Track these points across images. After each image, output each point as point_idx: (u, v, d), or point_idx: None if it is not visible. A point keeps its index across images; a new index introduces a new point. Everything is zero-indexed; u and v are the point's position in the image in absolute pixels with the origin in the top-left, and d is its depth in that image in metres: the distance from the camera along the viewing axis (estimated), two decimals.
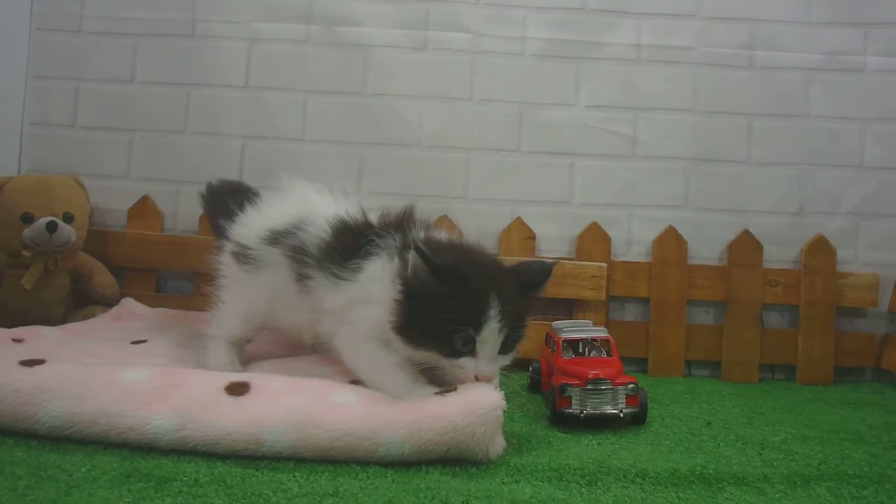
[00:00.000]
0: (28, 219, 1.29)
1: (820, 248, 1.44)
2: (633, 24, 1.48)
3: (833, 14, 1.46)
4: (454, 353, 0.89)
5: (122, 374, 0.89)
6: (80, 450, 0.83)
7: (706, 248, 1.47)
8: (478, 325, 0.88)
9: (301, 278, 1.02)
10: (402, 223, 1.01)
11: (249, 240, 1.09)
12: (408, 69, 1.48)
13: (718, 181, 1.47)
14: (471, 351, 0.89)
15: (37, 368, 0.90)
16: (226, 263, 1.13)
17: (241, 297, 1.11)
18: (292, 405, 0.85)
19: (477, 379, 0.89)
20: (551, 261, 0.98)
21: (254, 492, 0.74)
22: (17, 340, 1.09)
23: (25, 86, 1.50)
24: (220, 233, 1.16)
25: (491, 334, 0.88)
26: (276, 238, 1.06)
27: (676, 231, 1.44)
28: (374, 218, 1.05)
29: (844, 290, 1.44)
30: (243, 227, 1.12)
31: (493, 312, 0.88)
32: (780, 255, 1.46)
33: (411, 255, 0.88)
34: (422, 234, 0.99)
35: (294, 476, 0.79)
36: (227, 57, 1.49)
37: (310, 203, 1.09)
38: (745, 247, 1.44)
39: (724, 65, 1.47)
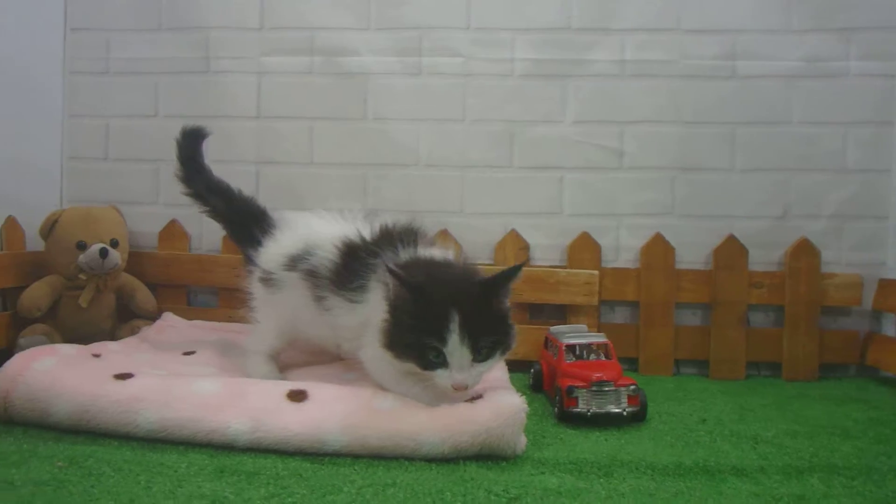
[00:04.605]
0: (82, 246, 1.49)
1: (804, 251, 1.55)
2: (616, 41, 1.60)
3: (813, 21, 1.55)
4: (430, 365, 0.99)
5: (197, 385, 1.06)
6: (174, 449, 0.98)
7: (692, 253, 1.58)
8: (442, 339, 0.97)
9: (318, 298, 1.17)
10: (394, 241, 1.12)
11: (271, 266, 1.25)
12: (404, 94, 1.63)
13: (703, 189, 1.58)
14: (443, 362, 0.98)
15: (129, 381, 1.06)
16: (255, 287, 1.30)
17: (271, 315, 1.27)
18: (346, 411, 0.99)
19: (455, 388, 0.98)
20: (523, 262, 1.07)
21: (326, 483, 0.88)
22: (96, 355, 1.27)
23: (62, 125, 1.70)
24: (248, 261, 1.33)
25: (455, 346, 0.97)
26: (292, 263, 1.22)
27: (664, 238, 1.58)
28: (376, 234, 1.16)
29: (829, 290, 1.55)
30: (265, 255, 1.27)
31: (454, 326, 0.96)
32: (764, 257, 1.57)
33: (388, 277, 1.00)
34: (410, 252, 1.10)
35: (355, 469, 0.93)
36: (239, 90, 1.66)
37: (315, 229, 1.23)
38: (731, 251, 1.56)
39: (706, 76, 1.58)
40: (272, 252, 1.26)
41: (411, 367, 1.00)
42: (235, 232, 1.40)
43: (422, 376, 1.01)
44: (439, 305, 0.96)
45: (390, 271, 0.98)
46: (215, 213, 1.40)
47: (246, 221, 1.35)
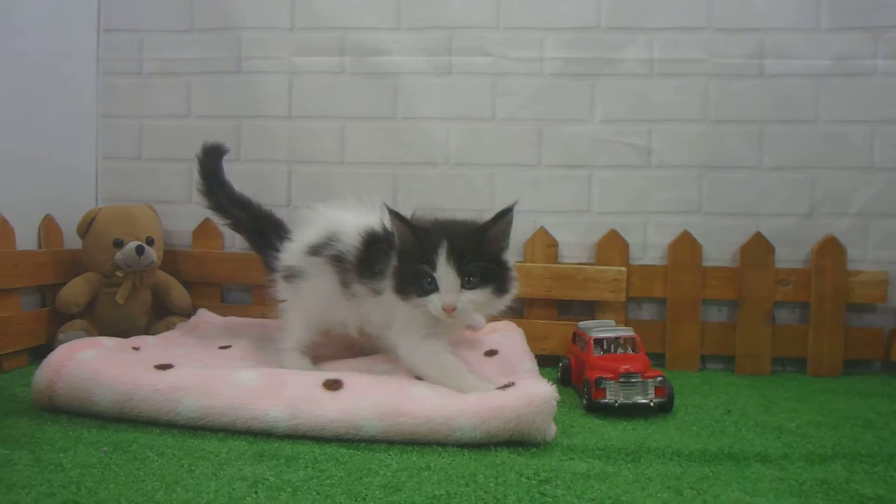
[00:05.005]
0: (119, 244, 1.52)
1: (830, 248, 1.57)
2: (645, 40, 1.61)
3: (842, 20, 1.56)
4: (424, 291, 1.09)
5: (235, 375, 1.10)
6: (214, 436, 1.01)
7: (719, 251, 1.61)
8: (432, 264, 1.07)
9: (344, 284, 1.23)
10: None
11: (293, 259, 1.31)
12: (434, 93, 1.65)
13: (730, 186, 1.60)
14: (435, 288, 1.08)
15: (169, 371, 1.10)
16: (280, 288, 1.35)
17: (297, 308, 1.31)
18: (380, 398, 1.02)
19: (444, 310, 1.07)
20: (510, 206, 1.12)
21: (363, 466, 0.91)
22: (135, 348, 1.31)
23: (97, 125, 1.73)
24: (270, 268, 1.37)
25: (443, 270, 1.07)
26: (315, 249, 1.27)
27: (691, 235, 1.60)
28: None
29: (854, 287, 1.57)
30: (286, 253, 1.33)
31: (442, 251, 1.07)
32: (790, 255, 1.59)
33: (390, 220, 1.10)
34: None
35: (389, 454, 0.96)
36: (271, 90, 1.68)
37: (338, 219, 1.28)
38: (757, 248, 1.59)
39: (734, 74, 1.59)
40: (292, 248, 1.32)
41: (415, 303, 1.09)
42: (257, 242, 1.46)
43: (436, 329, 1.11)
44: (431, 237, 1.09)
45: (391, 212, 1.10)
46: (237, 225, 1.46)
47: (266, 232, 1.41)
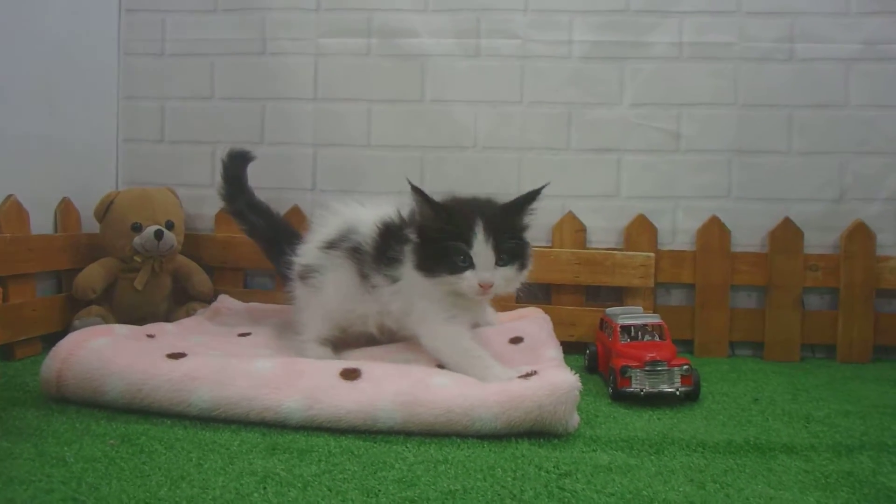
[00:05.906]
0: (137, 228, 1.48)
1: (859, 234, 1.57)
2: (674, 23, 1.60)
3: (872, 4, 1.56)
4: (457, 269, 1.08)
5: (252, 364, 1.05)
6: (226, 428, 0.98)
7: (748, 236, 1.59)
8: (469, 241, 1.07)
9: (363, 275, 1.21)
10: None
11: (309, 258, 1.29)
12: (462, 76, 1.63)
13: (760, 171, 1.59)
14: (470, 265, 1.07)
15: (182, 360, 1.05)
16: (297, 289, 1.32)
17: (316, 306, 1.27)
18: (399, 388, 0.99)
19: (480, 287, 1.07)
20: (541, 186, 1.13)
21: (378, 460, 0.88)
22: (150, 336, 1.27)
23: (118, 106, 1.70)
24: (282, 275, 1.37)
25: (480, 247, 1.07)
26: (332, 244, 1.26)
27: (720, 220, 1.59)
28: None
29: (884, 273, 1.55)
30: (301, 253, 1.31)
31: (479, 230, 1.07)
32: (820, 240, 1.58)
33: (412, 197, 1.09)
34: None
35: (407, 447, 0.93)
36: (296, 71, 1.65)
37: (352, 213, 1.28)
38: (787, 234, 1.58)
39: (764, 59, 1.58)
40: (307, 247, 1.30)
41: (443, 281, 1.08)
42: (272, 251, 1.45)
43: (455, 313, 1.11)
44: (464, 214, 1.08)
45: (414, 189, 1.08)
46: (254, 232, 1.46)
47: (282, 241, 1.40)
